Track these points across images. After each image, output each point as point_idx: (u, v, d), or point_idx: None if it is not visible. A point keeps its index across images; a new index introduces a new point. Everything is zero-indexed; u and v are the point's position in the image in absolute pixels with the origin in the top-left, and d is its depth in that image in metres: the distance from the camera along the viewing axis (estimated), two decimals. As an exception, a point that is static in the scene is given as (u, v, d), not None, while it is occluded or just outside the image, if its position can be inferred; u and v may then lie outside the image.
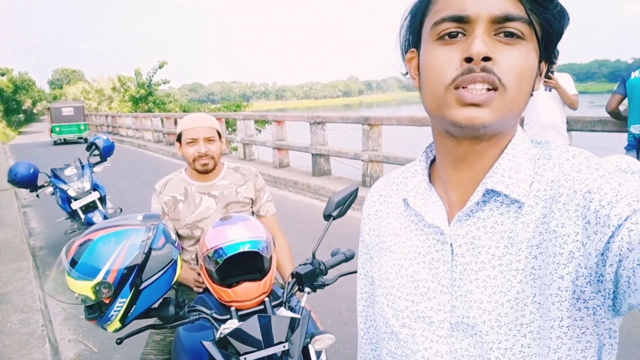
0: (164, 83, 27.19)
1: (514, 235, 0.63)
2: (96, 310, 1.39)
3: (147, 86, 25.94)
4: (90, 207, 5.01)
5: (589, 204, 0.55)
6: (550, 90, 4.49)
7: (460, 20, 0.59)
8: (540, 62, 0.63)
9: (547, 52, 0.63)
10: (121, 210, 5.53)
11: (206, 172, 2.02)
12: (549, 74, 4.72)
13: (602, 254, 0.52)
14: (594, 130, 4.81)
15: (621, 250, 0.50)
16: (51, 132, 21.11)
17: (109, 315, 1.37)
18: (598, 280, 0.55)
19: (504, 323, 0.62)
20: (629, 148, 4.25)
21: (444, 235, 0.68)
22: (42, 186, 5.13)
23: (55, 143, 20.71)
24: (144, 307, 1.40)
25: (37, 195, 5.25)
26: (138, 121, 20.08)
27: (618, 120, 4.52)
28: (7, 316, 3.46)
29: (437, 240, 0.70)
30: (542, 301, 0.60)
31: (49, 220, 6.85)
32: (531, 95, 0.64)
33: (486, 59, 0.58)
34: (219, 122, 2.08)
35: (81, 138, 21.51)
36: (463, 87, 0.59)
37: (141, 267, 1.36)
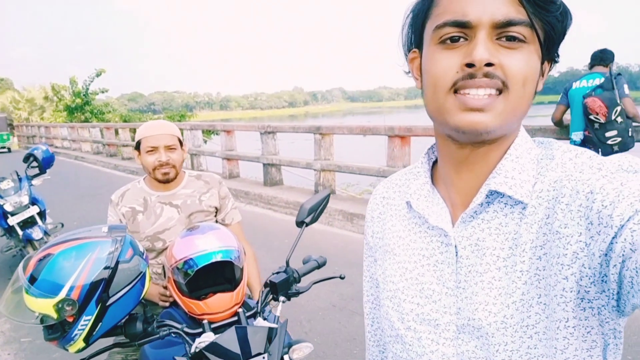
0: (102, 92, 26.01)
1: (518, 236, 0.63)
2: (57, 330, 1.30)
3: (84, 95, 24.74)
4: (28, 223, 4.68)
5: (592, 204, 0.55)
6: None
7: (462, 25, 0.59)
8: (542, 62, 0.63)
9: (550, 53, 0.64)
10: (62, 225, 5.21)
11: (167, 181, 1.95)
12: None
13: (606, 254, 0.53)
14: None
15: (624, 251, 0.50)
16: None
17: (72, 335, 1.28)
18: (602, 281, 0.55)
19: (509, 325, 0.62)
20: None
21: (448, 237, 0.68)
22: (-27, 201, 4.74)
23: None
24: (111, 324, 1.33)
25: (-32, 211, 4.84)
26: (75, 132, 19.08)
27: (562, 128, 4.79)
28: None
29: (441, 243, 0.70)
30: (547, 302, 0.60)
31: (-22, 238, 6.33)
32: (534, 96, 0.64)
33: (489, 64, 0.58)
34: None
35: (4, 147, 22.83)
36: (464, 93, 0.59)
37: (108, 281, 1.29)
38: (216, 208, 2.05)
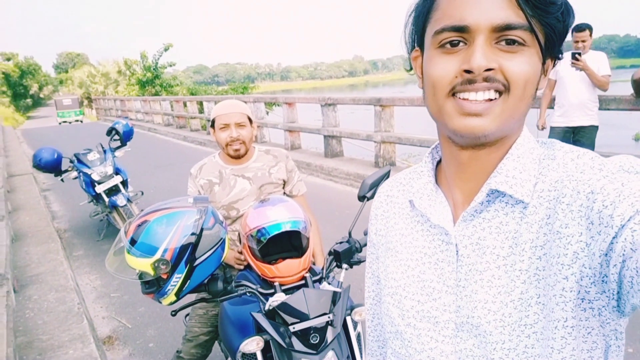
0: (170, 66, 27.07)
1: (518, 235, 0.63)
2: (153, 285, 1.51)
3: (154, 69, 25.90)
4: (113, 191, 5.14)
5: (593, 204, 0.55)
6: (580, 70, 4.55)
7: (460, 30, 0.59)
8: (544, 61, 0.63)
9: (551, 52, 0.63)
10: (142, 193, 5.67)
11: (238, 156, 2.12)
12: (577, 55, 4.67)
13: (606, 254, 0.52)
14: (608, 109, 4.84)
15: (624, 251, 0.50)
16: (57, 116, 28.77)
17: (166, 290, 1.49)
18: (602, 281, 0.55)
19: (507, 323, 0.62)
20: None
21: (449, 236, 0.69)
22: (66, 171, 5.28)
23: (60, 124, 27.34)
24: (197, 282, 1.52)
25: (62, 180, 5.40)
26: (147, 104, 20.16)
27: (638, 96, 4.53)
28: (43, 295, 3.63)
29: (442, 241, 0.70)
30: (545, 302, 0.60)
31: (70, 203, 7.04)
32: (534, 97, 0.64)
33: (488, 69, 0.58)
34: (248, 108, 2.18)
35: (77, 120, 28.72)
36: (463, 98, 0.60)
37: (194, 245, 1.48)
38: (284, 180, 2.22)
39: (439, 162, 0.76)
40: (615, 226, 0.51)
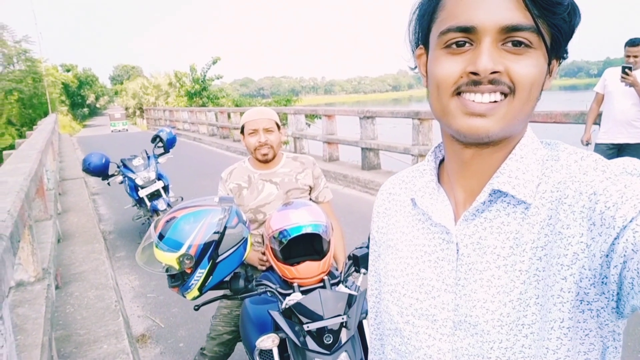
0: (217, 78, 28.04)
1: (519, 236, 0.63)
2: (178, 279, 1.59)
3: (202, 81, 26.84)
4: (155, 195, 5.36)
5: (595, 205, 0.55)
6: (629, 86, 4.39)
7: (467, 30, 0.59)
8: (550, 62, 0.62)
9: (557, 53, 0.62)
10: (182, 198, 5.87)
11: (266, 161, 2.19)
12: (627, 70, 4.50)
13: (607, 255, 0.52)
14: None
15: (626, 252, 0.49)
16: (110, 125, 33.84)
17: (189, 284, 1.57)
18: (602, 282, 0.55)
19: (505, 323, 0.62)
20: None
21: (450, 235, 0.69)
22: (113, 175, 5.57)
23: (112, 131, 31.88)
24: (219, 278, 1.59)
25: (109, 184, 5.69)
26: (193, 115, 20.87)
27: None
28: (84, 292, 3.82)
29: (442, 240, 0.70)
30: (544, 302, 0.60)
31: (116, 207, 7.39)
32: (539, 98, 0.63)
33: (494, 72, 0.58)
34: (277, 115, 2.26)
35: (124, 128, 33.07)
36: (468, 98, 0.60)
37: (218, 243, 1.55)
38: (310, 187, 2.26)
39: (442, 161, 0.76)
40: (617, 227, 0.51)
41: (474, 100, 0.60)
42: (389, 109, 9.03)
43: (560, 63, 0.65)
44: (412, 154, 7.34)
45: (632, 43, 4.40)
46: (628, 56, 4.44)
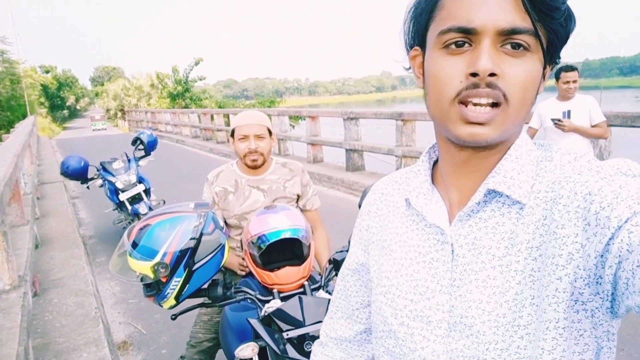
0: (200, 80, 27.80)
1: (514, 236, 0.63)
2: (154, 288, 1.54)
3: (184, 83, 26.58)
4: (136, 199, 5.29)
5: (590, 205, 0.55)
6: (569, 131, 4.09)
7: (467, 31, 0.59)
8: (544, 67, 0.63)
9: (553, 57, 0.63)
10: (164, 202, 5.79)
11: (255, 167, 2.13)
12: (557, 122, 4.26)
13: (602, 255, 0.52)
14: (634, 126, 4.70)
15: (621, 252, 0.50)
16: (92, 126, 36.65)
17: (165, 293, 1.52)
18: (597, 282, 0.55)
19: (501, 324, 0.62)
20: None
21: (445, 235, 0.68)
22: (92, 178, 5.47)
23: (93, 130, 34.95)
24: (196, 286, 1.55)
25: (88, 187, 5.59)
26: (176, 117, 20.67)
27: None
28: (63, 299, 3.73)
29: (437, 240, 0.70)
30: (539, 303, 0.60)
31: (96, 211, 7.25)
32: (534, 102, 0.64)
33: (492, 74, 0.58)
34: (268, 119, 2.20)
35: (103, 127, 35.95)
36: (467, 104, 0.60)
37: (194, 250, 1.51)
38: (298, 195, 2.21)
39: (436, 162, 0.76)
40: (612, 227, 0.51)
41: (473, 110, 0.60)
42: (372, 110, 9.08)
43: (552, 68, 0.66)
44: (395, 155, 7.37)
45: (569, 68, 4.12)
46: (566, 82, 4.11)
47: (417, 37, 0.68)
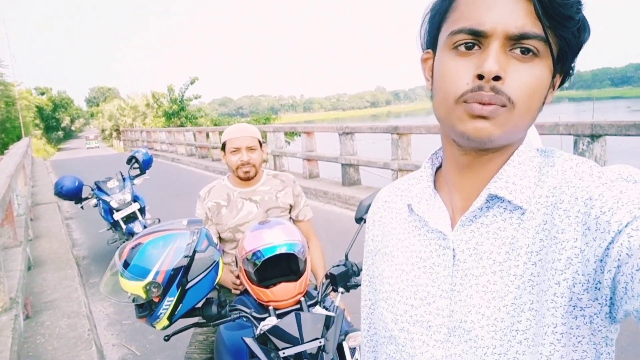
0: (195, 98, 27.91)
1: (515, 241, 0.63)
2: (146, 309, 1.50)
3: (180, 101, 26.68)
4: (131, 218, 5.23)
5: (590, 210, 0.55)
6: None
7: (477, 34, 0.59)
8: (554, 75, 0.62)
9: (563, 66, 0.63)
10: (159, 220, 5.73)
11: (248, 179, 2.14)
12: None
13: (601, 260, 0.52)
14: (628, 135, 4.72)
15: (620, 256, 0.49)
16: (86, 145, 39.10)
17: (158, 313, 1.48)
18: (595, 288, 0.55)
19: (499, 328, 0.62)
20: None
21: (447, 240, 0.68)
22: (86, 198, 5.41)
23: (87, 148, 37.71)
24: (190, 305, 1.50)
25: (82, 207, 5.53)
26: (171, 135, 20.68)
27: None
28: (56, 321, 3.66)
29: (439, 245, 0.70)
30: (538, 308, 0.59)
31: (90, 231, 7.17)
32: (540, 109, 0.64)
33: (496, 78, 0.58)
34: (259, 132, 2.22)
35: (96, 146, 38.99)
36: (473, 104, 0.60)
37: (187, 268, 1.47)
38: (290, 205, 2.21)
39: (438, 168, 0.77)
40: (612, 231, 0.51)
41: (479, 103, 0.60)
42: (367, 124, 9.09)
43: (565, 79, 0.65)
44: (391, 169, 7.36)
45: None
46: None
47: (430, 40, 0.69)
